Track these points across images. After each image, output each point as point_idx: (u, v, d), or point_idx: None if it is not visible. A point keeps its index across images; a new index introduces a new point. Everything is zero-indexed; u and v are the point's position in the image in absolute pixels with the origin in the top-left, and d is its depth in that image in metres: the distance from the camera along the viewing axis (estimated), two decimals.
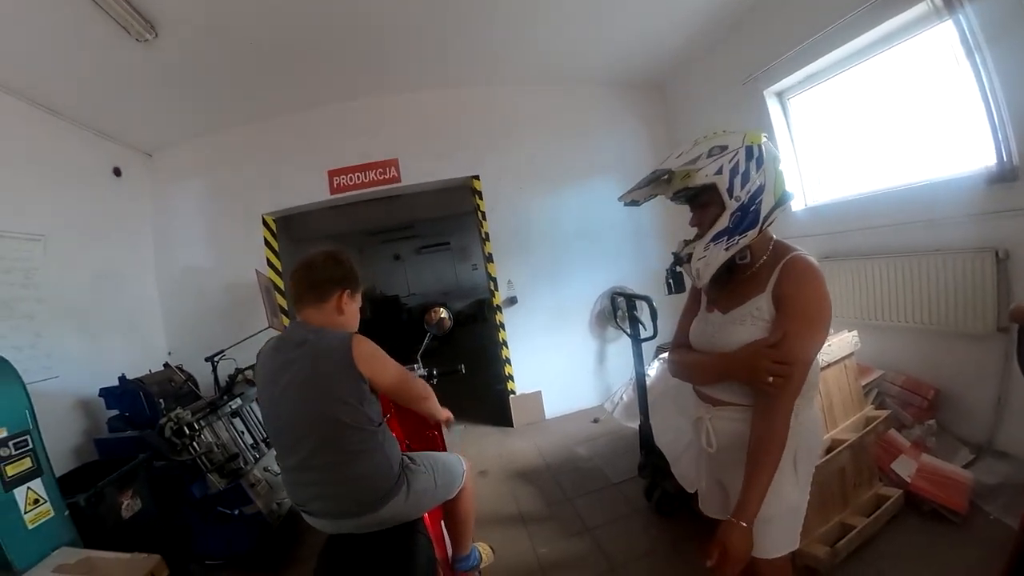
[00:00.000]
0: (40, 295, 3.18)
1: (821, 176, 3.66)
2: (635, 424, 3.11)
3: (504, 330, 4.73)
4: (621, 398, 4.50)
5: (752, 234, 1.32)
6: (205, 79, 3.57)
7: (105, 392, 3.20)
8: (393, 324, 8.97)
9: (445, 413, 1.99)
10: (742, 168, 1.29)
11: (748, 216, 1.30)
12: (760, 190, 1.30)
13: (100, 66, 3.11)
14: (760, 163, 1.30)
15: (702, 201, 1.36)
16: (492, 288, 4.72)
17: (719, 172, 1.29)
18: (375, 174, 4.55)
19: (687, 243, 1.42)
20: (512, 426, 4.67)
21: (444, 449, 2.37)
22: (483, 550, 2.40)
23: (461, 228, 9.38)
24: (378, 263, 10.84)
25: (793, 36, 3.29)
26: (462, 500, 2.01)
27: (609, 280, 4.80)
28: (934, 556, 2.08)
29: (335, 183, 4.52)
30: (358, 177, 4.54)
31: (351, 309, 1.73)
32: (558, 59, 4.30)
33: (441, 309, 2.62)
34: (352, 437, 1.53)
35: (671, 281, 1.54)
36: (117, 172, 4.10)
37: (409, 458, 1.75)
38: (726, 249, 1.32)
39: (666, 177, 1.36)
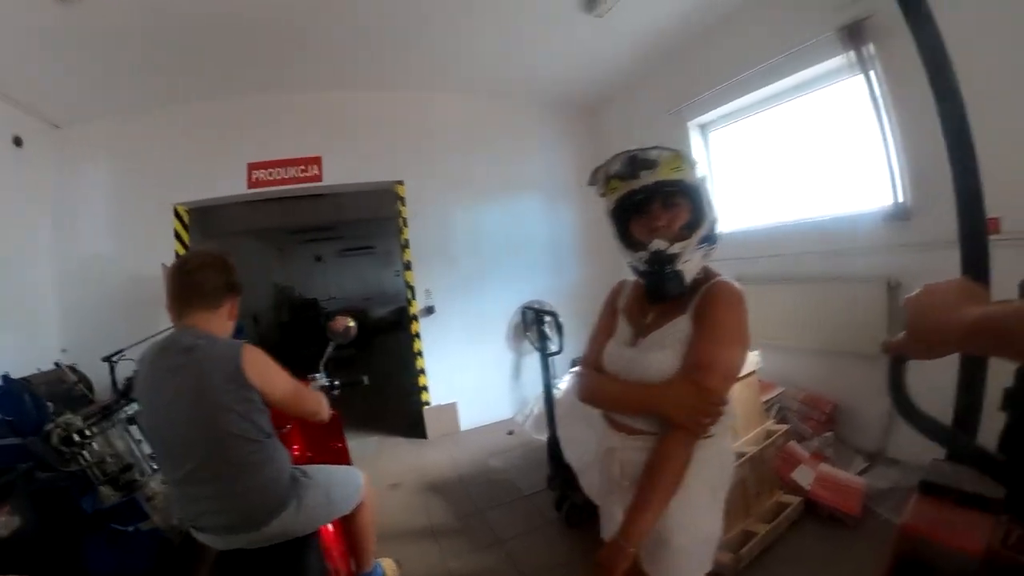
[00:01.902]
0: None
1: (734, 205, 3.98)
2: (544, 437, 3.19)
3: (420, 340, 4.72)
4: (532, 411, 4.61)
5: (712, 251, 1.29)
6: (126, 52, 3.36)
7: None
8: (310, 328, 8.58)
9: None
10: (707, 184, 1.30)
11: (713, 231, 1.29)
12: (713, 209, 1.30)
13: (9, 20, 2.82)
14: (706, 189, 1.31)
15: (676, 202, 1.27)
16: (409, 297, 4.72)
17: (702, 179, 1.27)
18: (297, 171, 4.44)
19: (669, 242, 1.25)
20: (426, 438, 4.66)
21: (349, 462, 2.35)
22: (387, 566, 2.39)
23: (386, 232, 9.27)
24: (299, 264, 10.47)
25: (719, 74, 3.61)
26: (360, 515, 1.99)
27: (529, 293, 4.91)
28: (831, 557, 2.27)
29: (254, 177, 4.37)
30: (279, 173, 4.41)
31: (235, 315, 1.71)
32: (494, 73, 4.40)
33: (347, 318, 2.50)
34: (241, 448, 1.50)
35: (659, 285, 1.28)
36: (17, 142, 3.72)
37: (301, 471, 1.72)
38: (703, 258, 1.28)
39: (647, 164, 1.23)
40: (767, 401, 2.98)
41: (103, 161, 4.27)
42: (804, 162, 3.43)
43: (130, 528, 2.56)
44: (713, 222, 1.28)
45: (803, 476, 2.65)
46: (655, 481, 1.24)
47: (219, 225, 6.40)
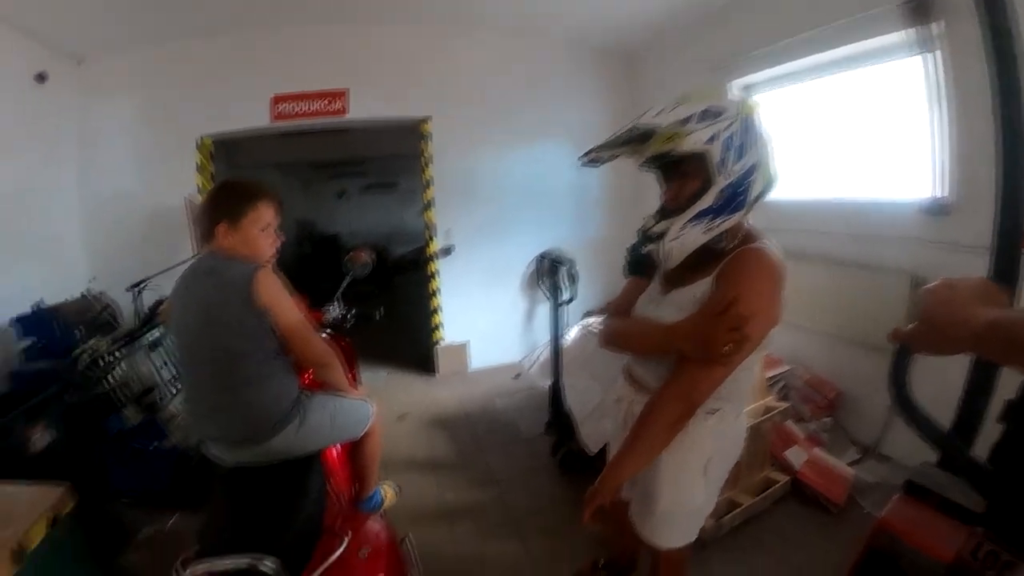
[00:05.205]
0: None
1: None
2: (547, 383, 3.26)
3: (437, 279, 4.77)
4: (538, 357, 4.69)
5: (737, 217, 1.19)
6: None
7: (19, 320, 3.10)
8: (331, 263, 8.66)
9: (356, 391, 2.01)
10: (737, 140, 1.15)
11: (737, 196, 1.17)
12: (753, 169, 1.17)
13: None
14: (755, 138, 1.17)
15: (682, 171, 1.21)
16: (429, 236, 4.73)
17: (711, 140, 1.13)
18: (321, 104, 4.36)
19: (657, 219, 1.26)
20: (436, 374, 4.81)
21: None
22: (386, 492, 2.54)
23: (410, 170, 9.09)
24: (322, 199, 10.50)
25: (769, 34, 3.35)
26: (366, 443, 2.07)
27: (548, 242, 4.83)
28: (809, 540, 2.32)
29: (278, 110, 4.32)
30: (303, 106, 4.34)
31: (249, 238, 1.71)
32: (531, 10, 4.18)
33: (367, 252, 2.58)
34: (247, 364, 1.61)
35: (632, 262, 1.33)
36: (41, 78, 3.71)
37: (307, 394, 1.80)
38: (705, 232, 1.18)
39: (644, 136, 1.17)
40: (772, 377, 2.96)
41: (126, 95, 4.27)
42: (844, 139, 3.21)
43: (150, 446, 2.76)
44: (728, 189, 1.17)
45: (795, 456, 2.66)
46: (639, 432, 1.26)
47: (244, 158, 6.43)
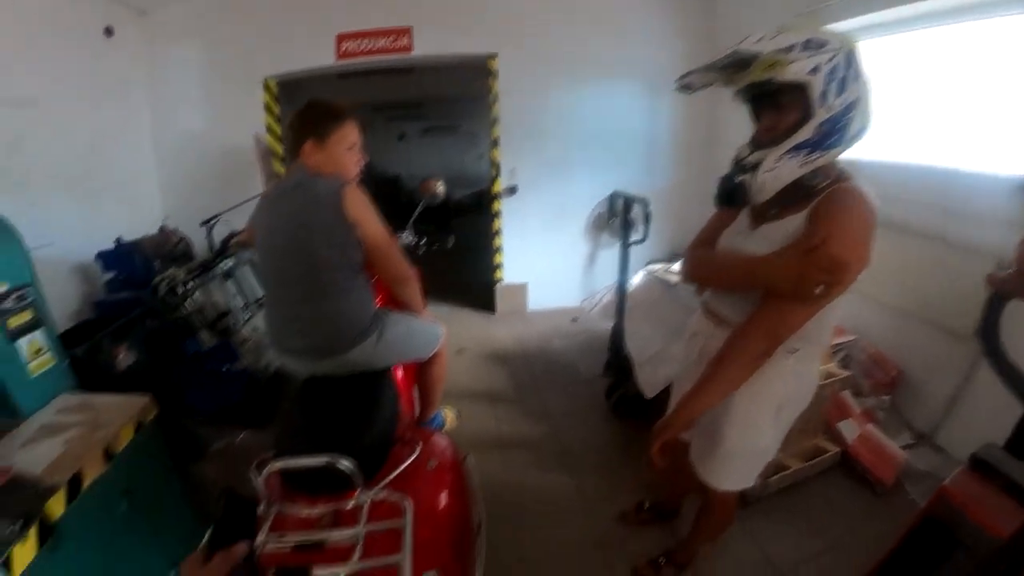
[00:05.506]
0: (32, 162, 3.15)
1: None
2: (609, 325, 3.23)
3: (500, 219, 4.73)
4: (601, 299, 4.64)
5: (833, 154, 1.17)
6: None
7: (102, 255, 3.27)
8: (392, 203, 8.77)
9: (428, 313, 2.05)
10: (839, 74, 1.11)
11: (835, 132, 1.14)
12: (852, 106, 1.13)
13: None
14: (857, 74, 1.13)
15: (781, 102, 1.17)
16: (494, 174, 4.67)
17: (814, 71, 1.09)
18: (387, 41, 4.27)
19: (751, 149, 1.23)
20: (495, 313, 4.85)
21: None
22: (447, 415, 2.62)
23: (471, 113, 9.04)
24: (382, 141, 10.55)
25: None
26: (434, 364, 2.14)
27: (614, 186, 4.62)
28: (850, 514, 2.25)
29: (343, 48, 4.26)
30: (368, 43, 4.26)
31: (335, 156, 1.75)
32: None
33: (438, 181, 2.69)
34: (332, 275, 1.65)
35: (723, 192, 1.29)
36: (108, 32, 3.83)
37: (386, 311, 1.85)
38: (801, 166, 1.16)
39: (744, 63, 1.13)
40: (836, 345, 2.82)
41: (191, 40, 4.32)
42: (941, 100, 2.77)
43: (223, 368, 2.93)
44: (827, 123, 1.13)
45: (848, 429, 2.55)
46: (720, 365, 1.26)
47: (307, 99, 6.49)
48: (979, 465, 1.34)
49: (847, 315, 2.86)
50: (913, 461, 2.45)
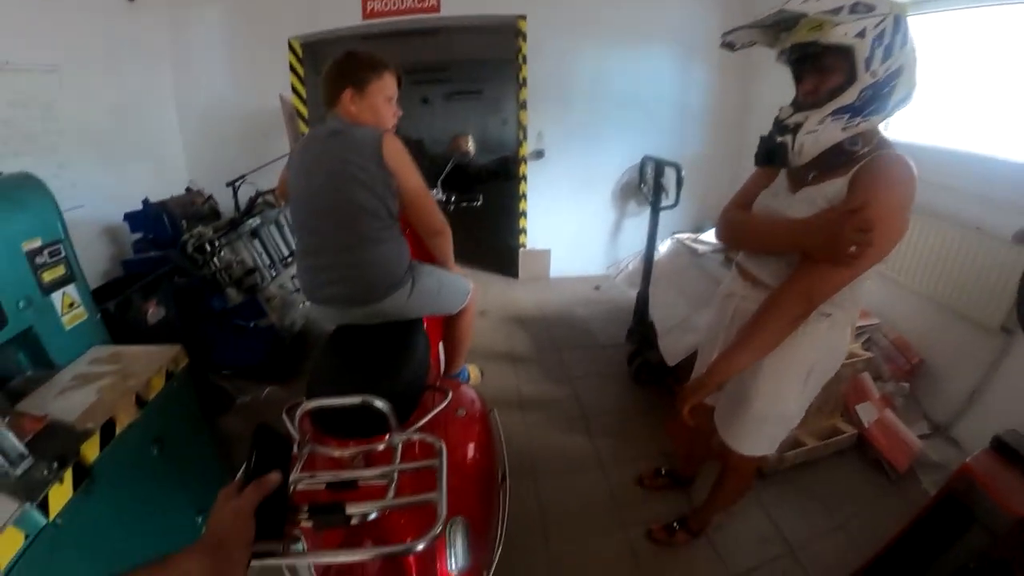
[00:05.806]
0: (60, 127, 3.20)
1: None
2: (633, 292, 3.21)
3: (526, 182, 4.67)
4: (627, 266, 4.58)
5: (876, 121, 1.14)
6: None
7: (129, 216, 3.31)
8: (418, 166, 8.74)
9: (458, 268, 2.05)
10: (886, 39, 1.07)
11: (879, 98, 1.11)
12: (898, 72, 1.10)
13: None
14: (904, 41, 1.09)
15: (825, 64, 1.14)
16: (521, 137, 4.57)
17: (860, 35, 1.05)
18: (413, 1, 4.16)
19: (793, 110, 1.21)
20: (517, 278, 4.84)
21: None
22: (472, 371, 2.65)
23: (497, 78, 8.85)
24: (406, 104, 10.38)
25: None
26: (462, 318, 2.14)
27: (642, 153, 4.41)
28: (860, 497, 2.25)
29: (369, 8, 4.16)
30: (395, 2, 4.16)
31: (374, 106, 1.74)
32: None
33: (467, 138, 2.64)
34: (369, 223, 1.64)
35: (763, 151, 1.26)
36: None
37: (418, 262, 1.85)
38: (843, 129, 1.13)
39: (789, 22, 1.12)
40: (859, 327, 2.73)
41: (213, 2, 4.27)
42: (991, 85, 2.56)
43: (250, 324, 2.98)
44: (870, 89, 1.10)
45: (866, 412, 2.51)
46: (755, 327, 1.26)
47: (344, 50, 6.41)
48: (1001, 448, 1.40)
49: (873, 299, 2.82)
50: (928, 451, 2.42)
